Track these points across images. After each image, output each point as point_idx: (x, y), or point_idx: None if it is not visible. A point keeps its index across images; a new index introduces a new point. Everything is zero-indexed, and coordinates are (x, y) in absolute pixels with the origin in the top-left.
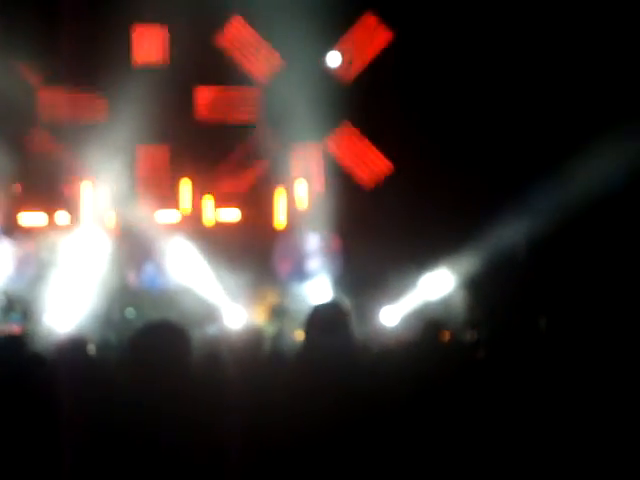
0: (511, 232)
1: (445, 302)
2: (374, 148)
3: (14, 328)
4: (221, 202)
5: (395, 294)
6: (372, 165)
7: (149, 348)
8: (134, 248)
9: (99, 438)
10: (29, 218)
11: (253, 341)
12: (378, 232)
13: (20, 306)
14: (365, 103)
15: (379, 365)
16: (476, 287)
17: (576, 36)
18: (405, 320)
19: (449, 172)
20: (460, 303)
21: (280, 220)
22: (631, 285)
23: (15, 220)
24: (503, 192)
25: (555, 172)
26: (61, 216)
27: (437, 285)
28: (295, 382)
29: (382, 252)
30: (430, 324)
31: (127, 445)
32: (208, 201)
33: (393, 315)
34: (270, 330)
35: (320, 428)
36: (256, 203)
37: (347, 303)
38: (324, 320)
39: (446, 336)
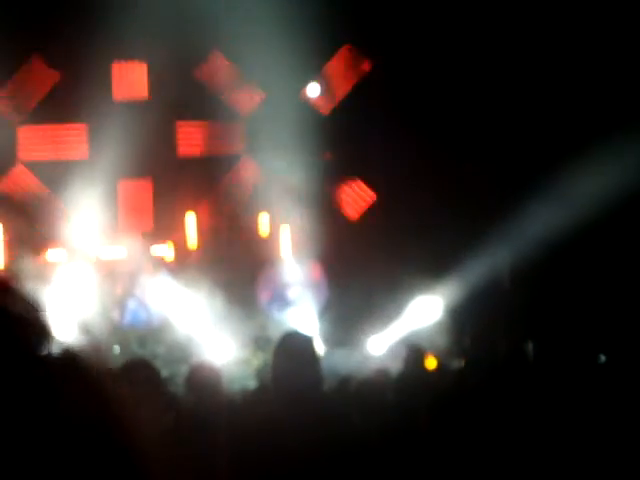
0: (495, 259)
1: (431, 330)
2: (357, 178)
3: None
4: (205, 234)
5: (381, 323)
6: (354, 195)
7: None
8: (118, 284)
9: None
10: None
11: (211, 379)
12: (362, 261)
13: None
14: (345, 133)
15: (360, 395)
16: (462, 314)
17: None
18: (391, 349)
19: (432, 200)
20: (446, 331)
21: (265, 250)
22: (618, 309)
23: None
24: (487, 219)
25: (539, 197)
26: (51, 254)
27: (423, 313)
28: (270, 413)
29: (366, 281)
30: (413, 350)
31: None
32: (192, 233)
33: (379, 344)
34: (255, 362)
35: (295, 459)
36: (240, 235)
37: (317, 337)
38: (290, 349)
39: (433, 363)
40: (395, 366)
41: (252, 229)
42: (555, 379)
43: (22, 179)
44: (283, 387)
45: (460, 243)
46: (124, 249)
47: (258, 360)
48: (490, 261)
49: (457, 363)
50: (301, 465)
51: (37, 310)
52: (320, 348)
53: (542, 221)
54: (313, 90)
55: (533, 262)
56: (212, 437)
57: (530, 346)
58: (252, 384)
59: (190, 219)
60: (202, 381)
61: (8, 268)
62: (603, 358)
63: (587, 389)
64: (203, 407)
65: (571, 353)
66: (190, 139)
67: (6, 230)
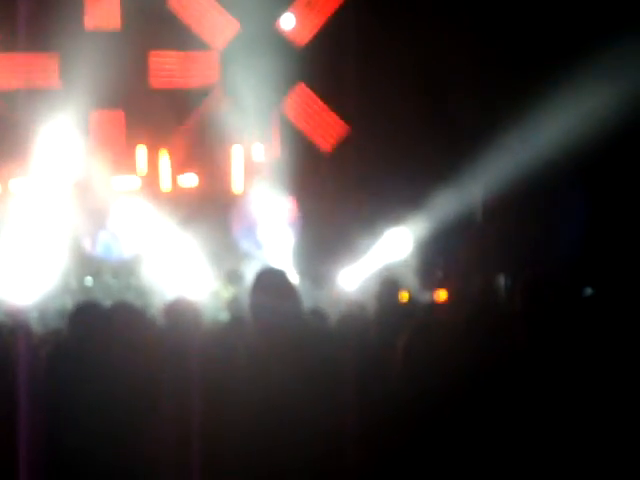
0: (468, 192)
1: (403, 264)
2: (329, 110)
3: None
4: (178, 167)
5: (354, 257)
6: (328, 127)
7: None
8: (90, 215)
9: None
10: None
11: (189, 312)
12: (336, 194)
13: None
14: (319, 65)
15: (339, 330)
16: (434, 248)
17: None
18: (364, 283)
19: (406, 132)
20: (418, 264)
21: (237, 183)
22: (597, 240)
23: None
24: (461, 152)
25: (513, 130)
26: (15, 183)
27: (395, 247)
28: (251, 346)
29: (340, 215)
30: (387, 283)
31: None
32: (165, 166)
33: (352, 278)
34: (225, 295)
35: (279, 392)
36: (213, 167)
37: (292, 270)
38: (268, 285)
39: (405, 297)
40: (368, 300)
41: (225, 161)
42: (534, 311)
43: None
44: (263, 321)
45: (433, 177)
46: (95, 181)
47: (229, 293)
48: (463, 195)
49: (428, 296)
50: (283, 392)
51: None
52: (295, 281)
53: (515, 154)
54: (288, 21)
55: (506, 195)
56: (189, 370)
57: (502, 279)
58: (224, 316)
59: (162, 151)
60: (181, 314)
61: None
62: (590, 291)
63: (574, 323)
64: (181, 340)
65: (552, 286)
66: (163, 70)
67: None
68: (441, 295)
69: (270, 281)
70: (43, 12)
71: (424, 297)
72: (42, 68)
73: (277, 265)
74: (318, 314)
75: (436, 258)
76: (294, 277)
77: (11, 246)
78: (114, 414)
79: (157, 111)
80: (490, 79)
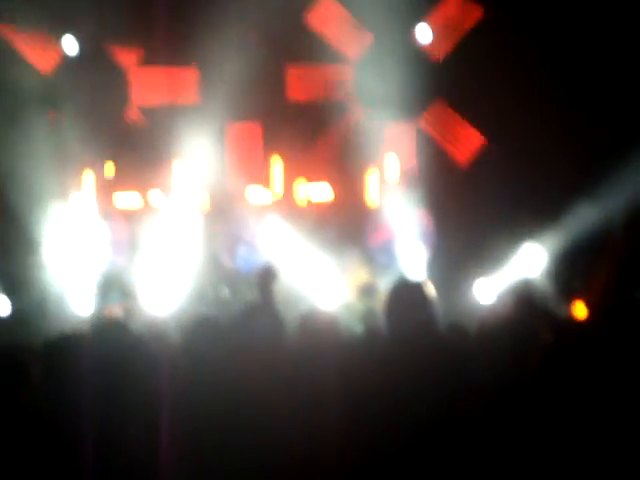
0: (608, 206)
1: (540, 277)
2: (468, 125)
3: (114, 308)
4: (314, 180)
5: (490, 270)
6: (466, 142)
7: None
8: (228, 229)
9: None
10: (124, 199)
11: (327, 326)
12: (472, 208)
13: (118, 286)
14: (457, 79)
15: (477, 344)
16: (572, 262)
17: None
18: (500, 296)
19: (545, 146)
20: (555, 278)
21: (372, 198)
22: None
23: (110, 202)
24: (602, 164)
25: None
26: (155, 197)
27: (532, 260)
28: (384, 362)
29: (476, 228)
30: (523, 299)
31: (228, 430)
32: (300, 180)
33: (488, 291)
34: (359, 308)
35: (410, 403)
36: (348, 181)
37: (429, 283)
38: (403, 298)
39: (541, 311)
40: (504, 312)
41: (361, 175)
42: None
43: (134, 122)
44: (398, 332)
45: (574, 188)
46: (233, 194)
47: (362, 306)
48: (603, 207)
49: (565, 311)
50: (413, 403)
51: None
52: (432, 292)
53: None
54: (424, 35)
55: None
56: (325, 382)
57: None
58: (359, 328)
59: (299, 164)
60: (318, 326)
61: (120, 210)
62: None
63: None
64: (318, 351)
65: None
66: (299, 83)
67: (118, 172)
68: (579, 309)
69: (406, 293)
70: (182, 25)
71: (562, 311)
72: (183, 83)
73: (413, 278)
74: (457, 328)
75: (574, 272)
76: (431, 288)
77: (150, 258)
78: (250, 425)
79: (293, 125)
80: (630, 90)
